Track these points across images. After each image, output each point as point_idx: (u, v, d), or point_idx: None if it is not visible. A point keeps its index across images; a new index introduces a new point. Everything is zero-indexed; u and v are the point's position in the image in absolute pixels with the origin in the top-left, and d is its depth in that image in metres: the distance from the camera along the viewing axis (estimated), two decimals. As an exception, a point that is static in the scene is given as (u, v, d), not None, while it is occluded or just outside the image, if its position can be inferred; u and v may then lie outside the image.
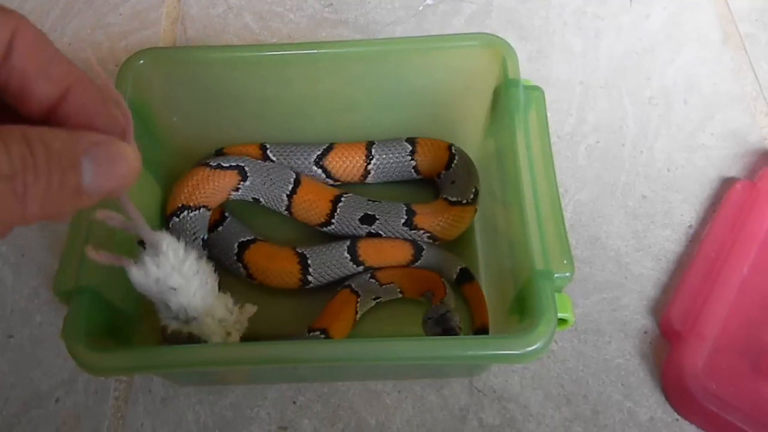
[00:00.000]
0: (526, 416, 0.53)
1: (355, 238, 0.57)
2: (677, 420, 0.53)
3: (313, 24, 0.75)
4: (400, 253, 0.57)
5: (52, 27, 0.75)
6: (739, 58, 0.73)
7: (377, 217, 0.57)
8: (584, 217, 0.63)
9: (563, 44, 0.73)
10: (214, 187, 0.57)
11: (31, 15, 0.75)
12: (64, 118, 0.29)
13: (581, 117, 0.69)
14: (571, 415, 0.53)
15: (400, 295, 0.56)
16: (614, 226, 0.62)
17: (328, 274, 0.56)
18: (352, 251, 0.56)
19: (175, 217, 0.55)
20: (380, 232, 0.57)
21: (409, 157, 0.61)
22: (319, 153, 0.60)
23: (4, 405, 0.54)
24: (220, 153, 0.61)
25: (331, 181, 0.62)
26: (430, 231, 0.57)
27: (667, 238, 0.62)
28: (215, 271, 0.45)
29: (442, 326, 0.49)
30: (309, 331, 0.53)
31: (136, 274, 0.40)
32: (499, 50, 0.54)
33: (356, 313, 0.54)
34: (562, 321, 0.44)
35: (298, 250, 0.56)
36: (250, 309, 0.48)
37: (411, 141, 0.61)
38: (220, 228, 0.58)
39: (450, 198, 0.57)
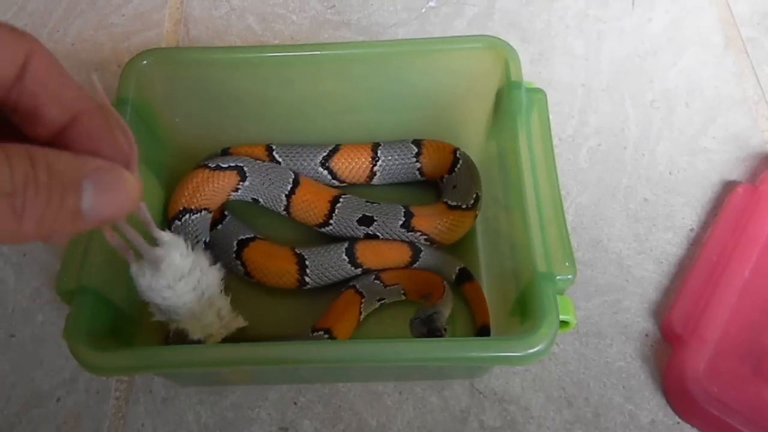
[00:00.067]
0: (527, 418, 0.53)
1: (353, 240, 0.57)
2: (678, 423, 0.53)
3: (316, 25, 0.75)
4: (398, 254, 0.57)
5: (54, 27, 0.75)
6: (740, 62, 0.73)
7: (375, 218, 0.57)
8: (586, 219, 0.63)
9: (565, 47, 0.74)
10: (214, 188, 0.57)
11: (34, 15, 0.76)
12: (69, 142, 0.30)
13: (583, 120, 0.69)
14: (572, 417, 0.53)
15: (404, 297, 0.56)
16: (616, 229, 0.62)
17: (325, 276, 0.56)
18: (350, 253, 0.56)
19: (177, 221, 0.55)
20: (378, 233, 0.57)
21: (414, 159, 0.61)
22: (324, 154, 0.61)
23: (5, 404, 0.54)
24: (226, 153, 0.61)
25: (336, 183, 0.62)
26: (427, 234, 0.57)
27: (668, 241, 0.62)
28: (222, 278, 0.47)
29: (427, 326, 0.49)
30: (312, 331, 0.53)
31: (135, 272, 0.41)
32: (502, 53, 0.54)
33: (360, 313, 0.54)
34: (563, 323, 0.44)
35: (296, 250, 0.56)
36: (241, 322, 0.48)
37: (417, 143, 0.61)
38: (219, 226, 0.58)
39: (450, 202, 0.57)
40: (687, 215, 0.63)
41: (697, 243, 0.61)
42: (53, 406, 0.54)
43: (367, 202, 0.58)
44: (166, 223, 0.56)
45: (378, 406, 0.54)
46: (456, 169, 0.59)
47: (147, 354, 0.43)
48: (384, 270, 0.57)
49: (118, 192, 0.29)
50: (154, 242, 0.41)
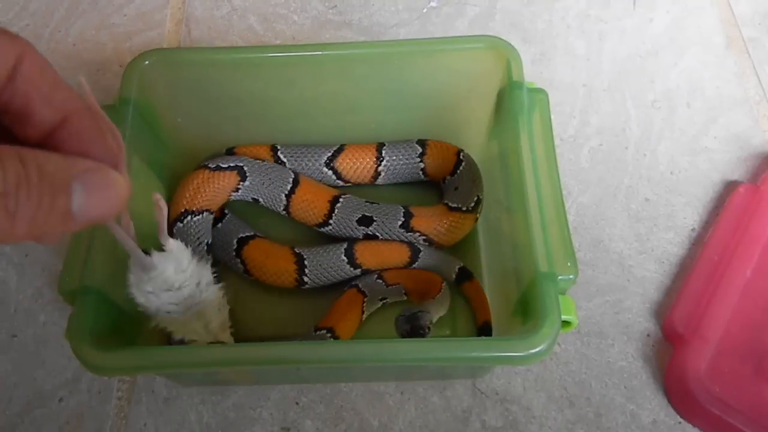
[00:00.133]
0: (529, 418, 0.53)
1: (352, 241, 0.57)
2: (680, 423, 0.53)
3: (317, 26, 0.75)
4: (398, 255, 0.57)
5: (56, 28, 0.75)
6: (742, 62, 0.73)
7: (375, 218, 0.57)
8: (587, 219, 0.63)
9: (567, 47, 0.74)
10: (214, 188, 0.57)
11: (36, 16, 0.76)
12: (59, 143, 0.30)
13: (584, 120, 0.69)
14: (573, 417, 0.53)
15: (405, 297, 0.57)
16: (617, 229, 0.62)
17: (324, 276, 0.56)
18: (350, 254, 0.56)
19: (179, 223, 0.55)
20: (377, 233, 0.57)
21: (418, 159, 0.61)
22: (329, 154, 0.61)
23: (7, 404, 0.54)
24: (231, 152, 0.61)
25: (341, 183, 0.62)
26: (426, 234, 0.57)
27: (670, 241, 0.62)
28: (224, 295, 0.47)
29: (410, 324, 0.49)
30: (315, 330, 0.53)
31: (130, 264, 0.41)
32: (503, 53, 0.54)
33: (363, 312, 0.54)
34: (565, 323, 0.44)
35: (296, 250, 0.56)
36: (227, 339, 0.48)
37: (421, 143, 0.61)
38: (219, 225, 0.58)
39: (450, 204, 0.57)
40: (688, 215, 0.63)
41: (698, 243, 0.62)
42: (55, 407, 0.54)
43: (367, 202, 0.58)
44: (168, 226, 0.56)
45: (380, 406, 0.54)
46: (458, 171, 0.59)
47: (149, 354, 0.43)
48: (383, 270, 0.57)
49: (107, 192, 0.29)
50: (159, 246, 0.41)
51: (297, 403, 0.54)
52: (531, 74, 0.71)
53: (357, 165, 0.61)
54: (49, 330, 0.57)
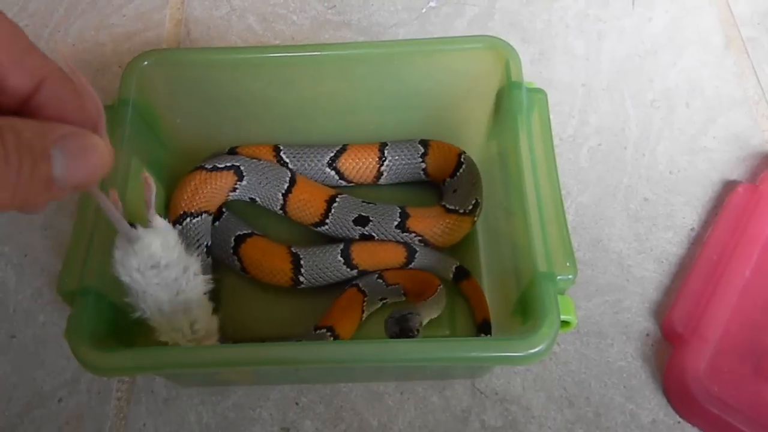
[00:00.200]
0: (528, 418, 0.53)
1: (348, 242, 0.57)
2: (679, 422, 0.53)
3: (316, 26, 0.75)
4: (393, 255, 0.57)
5: (55, 28, 0.75)
6: (741, 62, 0.73)
7: (371, 218, 0.57)
8: (586, 219, 0.63)
9: (566, 47, 0.74)
10: (212, 189, 0.57)
11: (35, 16, 0.76)
12: (36, 110, 0.29)
13: (583, 119, 0.69)
14: (573, 417, 0.53)
15: (404, 298, 0.57)
16: (616, 229, 0.62)
17: (320, 277, 0.56)
18: (346, 254, 0.56)
19: (177, 225, 0.55)
20: (373, 233, 0.57)
21: (420, 159, 0.61)
22: (332, 155, 0.61)
23: (7, 405, 0.54)
24: (233, 152, 0.61)
25: (344, 183, 0.62)
26: (422, 235, 0.57)
27: (669, 241, 0.62)
28: (206, 292, 0.46)
29: (400, 326, 0.49)
30: (315, 329, 0.53)
31: (116, 241, 0.40)
32: (502, 53, 0.54)
33: (363, 312, 0.55)
34: (564, 323, 0.44)
35: (292, 249, 0.56)
36: (212, 339, 0.47)
37: (424, 143, 0.61)
38: (217, 223, 0.58)
39: (448, 205, 0.58)
40: (687, 215, 0.63)
41: (697, 242, 0.62)
42: (55, 407, 0.54)
43: (363, 202, 0.58)
44: None
45: (379, 406, 0.54)
46: (458, 173, 0.59)
47: (149, 354, 0.43)
48: (387, 270, 0.57)
49: (88, 157, 0.28)
50: (147, 224, 0.41)
51: (297, 404, 0.54)
52: (530, 74, 0.71)
53: (360, 165, 0.61)
54: (48, 330, 0.57)
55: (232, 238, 0.57)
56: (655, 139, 0.68)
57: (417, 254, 0.57)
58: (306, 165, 0.61)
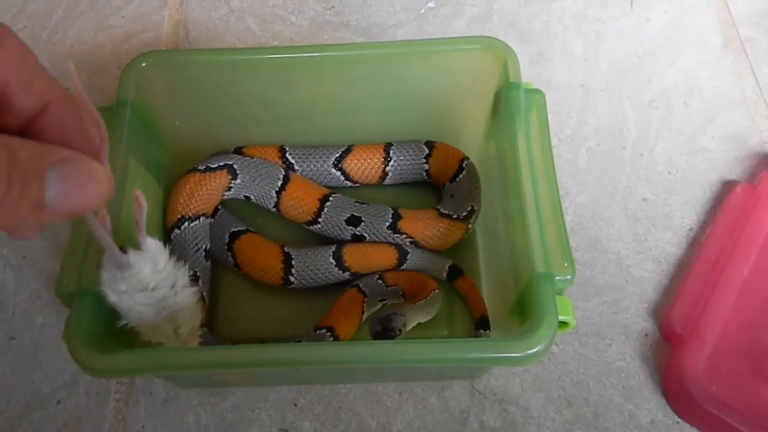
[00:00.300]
0: (527, 419, 0.53)
1: (341, 244, 0.57)
2: (678, 423, 0.53)
3: (315, 27, 0.75)
4: (385, 257, 0.57)
5: (54, 29, 0.75)
6: (739, 62, 0.73)
7: (363, 219, 0.57)
8: (585, 219, 0.63)
9: (564, 47, 0.74)
10: (208, 190, 0.57)
11: (34, 18, 0.76)
12: (40, 132, 0.29)
13: (582, 120, 0.69)
14: (572, 417, 0.53)
15: (402, 299, 0.56)
16: (615, 229, 0.62)
17: (311, 278, 0.56)
18: (338, 256, 0.56)
19: (176, 229, 0.56)
20: (365, 234, 0.57)
21: (424, 160, 0.61)
22: (337, 155, 0.61)
23: (5, 407, 0.54)
24: (239, 151, 0.61)
25: (349, 184, 0.62)
26: (413, 237, 0.57)
27: (667, 241, 0.62)
28: (197, 301, 0.45)
29: (382, 325, 0.49)
30: (315, 329, 0.53)
31: (103, 261, 0.40)
32: (500, 53, 0.54)
33: (363, 312, 0.55)
34: (563, 324, 0.44)
35: (285, 249, 0.56)
36: (195, 336, 0.47)
37: (429, 144, 0.61)
38: (212, 219, 0.58)
39: (442, 210, 0.58)
40: (686, 215, 0.63)
41: (696, 242, 0.62)
42: (53, 409, 0.54)
43: (357, 202, 0.59)
44: (165, 233, 0.56)
45: (378, 407, 0.54)
46: (458, 179, 0.59)
47: (147, 356, 0.43)
48: (386, 271, 0.57)
49: (85, 184, 0.28)
50: (137, 245, 0.41)
51: (295, 405, 0.54)
52: (528, 74, 0.71)
53: (365, 165, 0.61)
54: (46, 332, 0.57)
55: (227, 234, 0.57)
56: (654, 139, 0.68)
57: (409, 255, 0.57)
58: (311, 166, 0.61)
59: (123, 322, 0.43)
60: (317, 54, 0.55)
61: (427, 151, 0.61)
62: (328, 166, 0.61)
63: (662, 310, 0.58)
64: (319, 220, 0.58)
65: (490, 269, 0.58)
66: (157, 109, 0.56)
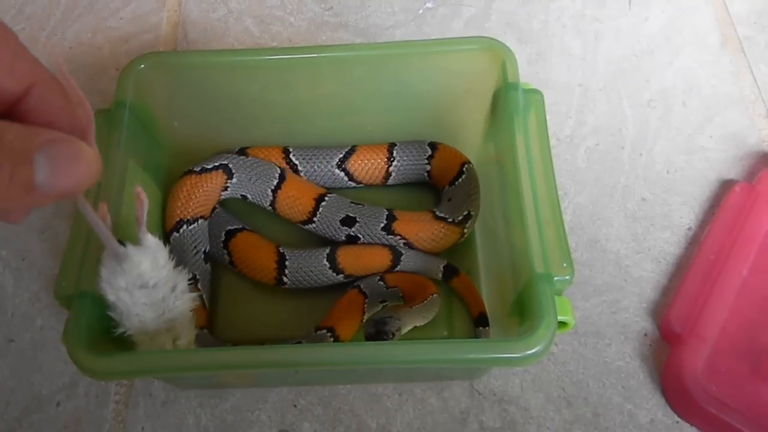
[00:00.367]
0: (527, 419, 0.53)
1: (335, 246, 0.57)
2: (677, 422, 0.53)
3: (314, 27, 0.75)
4: (379, 258, 0.57)
5: (52, 31, 0.75)
6: (737, 61, 0.73)
7: (358, 219, 0.57)
8: (584, 219, 0.63)
9: (562, 47, 0.74)
10: (205, 191, 0.57)
11: (32, 19, 0.76)
12: (25, 114, 0.29)
13: (580, 120, 0.69)
14: (571, 417, 0.54)
15: (402, 301, 0.56)
16: (614, 229, 0.62)
17: (304, 279, 0.56)
18: (332, 258, 0.56)
19: (175, 233, 0.56)
20: (359, 235, 0.57)
21: (426, 161, 0.61)
22: (341, 156, 0.61)
23: (5, 409, 0.54)
24: (243, 152, 0.61)
25: (353, 184, 0.62)
26: (407, 239, 0.57)
27: (666, 241, 0.62)
28: (191, 309, 0.45)
29: (375, 327, 0.49)
30: (316, 330, 0.53)
31: (102, 258, 0.40)
32: (499, 53, 0.54)
33: (363, 313, 0.54)
34: (562, 324, 0.44)
35: (280, 249, 0.57)
36: (188, 345, 0.47)
37: (432, 145, 0.61)
38: (209, 217, 0.58)
39: (438, 213, 0.57)
40: (685, 214, 0.63)
41: (695, 242, 0.62)
42: (53, 411, 0.54)
43: (352, 202, 0.59)
44: (164, 236, 0.56)
45: (378, 407, 0.54)
46: (457, 182, 0.59)
47: (146, 358, 0.43)
48: (376, 273, 0.57)
49: (74, 165, 0.28)
50: (137, 241, 0.40)
51: (295, 406, 0.54)
52: (527, 74, 0.71)
53: (369, 166, 0.61)
54: (46, 334, 0.57)
55: (223, 232, 0.57)
56: (652, 138, 0.68)
57: (403, 257, 0.57)
58: (315, 166, 0.61)
59: (121, 329, 0.43)
60: (316, 55, 0.55)
61: (430, 152, 0.61)
62: (332, 166, 0.61)
63: (661, 310, 0.58)
64: (314, 219, 0.58)
65: (489, 270, 0.58)
66: (155, 110, 0.56)
